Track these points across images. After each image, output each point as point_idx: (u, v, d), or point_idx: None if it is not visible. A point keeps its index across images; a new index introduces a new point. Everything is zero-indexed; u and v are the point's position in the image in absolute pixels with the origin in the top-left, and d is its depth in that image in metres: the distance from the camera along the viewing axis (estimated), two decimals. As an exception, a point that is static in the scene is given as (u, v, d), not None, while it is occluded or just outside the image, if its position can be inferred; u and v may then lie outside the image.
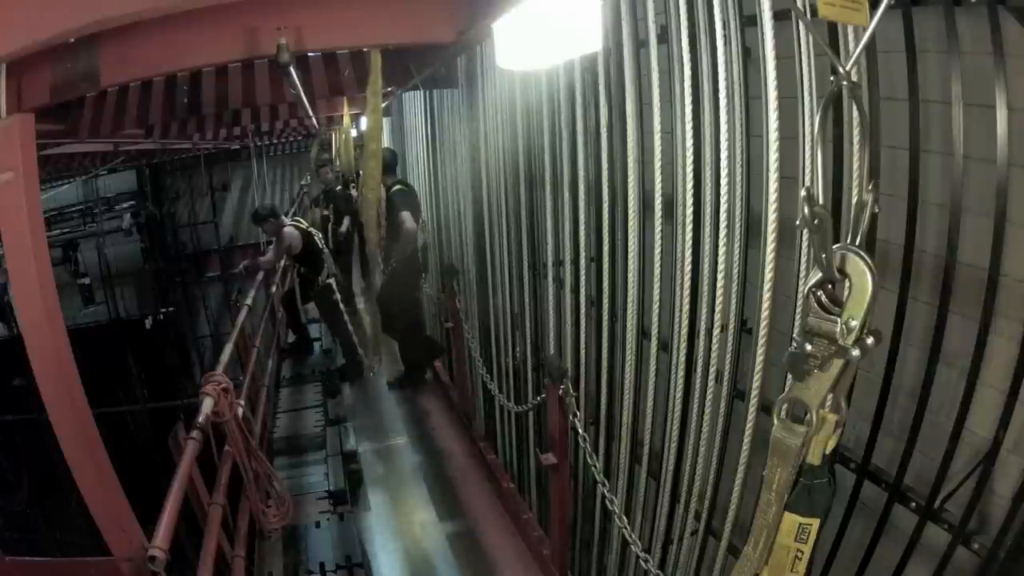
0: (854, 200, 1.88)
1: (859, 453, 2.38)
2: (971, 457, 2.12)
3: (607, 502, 3.17)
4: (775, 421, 1.05)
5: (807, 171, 1.98)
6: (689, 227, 2.48)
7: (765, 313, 2.13)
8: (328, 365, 7.62)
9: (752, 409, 2.26)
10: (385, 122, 9.24)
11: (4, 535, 7.94)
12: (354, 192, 9.10)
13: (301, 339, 8.27)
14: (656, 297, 2.85)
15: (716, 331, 2.45)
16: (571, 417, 3.33)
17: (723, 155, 2.27)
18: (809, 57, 1.94)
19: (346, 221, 8.29)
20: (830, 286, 0.97)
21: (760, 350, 2.20)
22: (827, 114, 1.89)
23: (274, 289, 7.56)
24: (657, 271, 2.78)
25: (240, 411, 3.57)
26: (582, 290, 3.41)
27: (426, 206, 6.72)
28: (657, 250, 2.75)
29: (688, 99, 2.39)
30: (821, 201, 0.94)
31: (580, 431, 3.29)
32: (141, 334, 12.60)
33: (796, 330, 2.05)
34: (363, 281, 7.71)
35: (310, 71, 4.46)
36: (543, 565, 3.98)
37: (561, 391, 3.30)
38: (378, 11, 3.43)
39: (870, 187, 1.02)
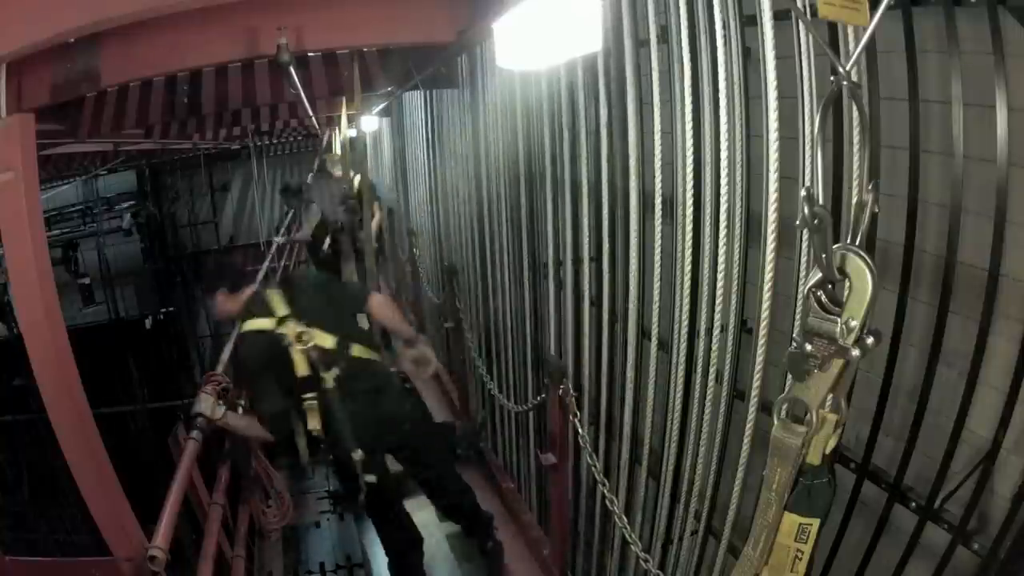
0: (854, 200, 1.88)
1: (859, 453, 2.38)
2: (971, 457, 2.11)
3: (607, 502, 3.16)
4: (775, 421, 1.05)
5: (807, 171, 1.98)
6: (689, 227, 2.48)
7: (765, 313, 2.13)
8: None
9: (752, 409, 2.26)
10: (385, 122, 9.25)
11: (4, 535, 7.92)
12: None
13: None
14: (656, 297, 2.85)
15: (716, 331, 2.45)
16: (571, 417, 3.33)
17: (723, 155, 2.27)
18: (809, 57, 1.94)
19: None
20: (830, 286, 0.97)
21: (760, 350, 2.20)
22: (827, 114, 1.89)
23: None
24: (657, 271, 2.78)
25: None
26: (583, 290, 3.41)
27: (426, 206, 6.72)
28: (657, 250, 2.75)
29: (688, 99, 2.39)
30: (821, 201, 0.94)
31: (580, 431, 3.29)
32: (141, 334, 12.62)
33: (796, 330, 2.05)
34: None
35: (310, 71, 4.46)
36: (543, 565, 3.98)
37: (561, 391, 3.30)
38: (378, 11, 3.44)
39: (870, 187, 1.02)
